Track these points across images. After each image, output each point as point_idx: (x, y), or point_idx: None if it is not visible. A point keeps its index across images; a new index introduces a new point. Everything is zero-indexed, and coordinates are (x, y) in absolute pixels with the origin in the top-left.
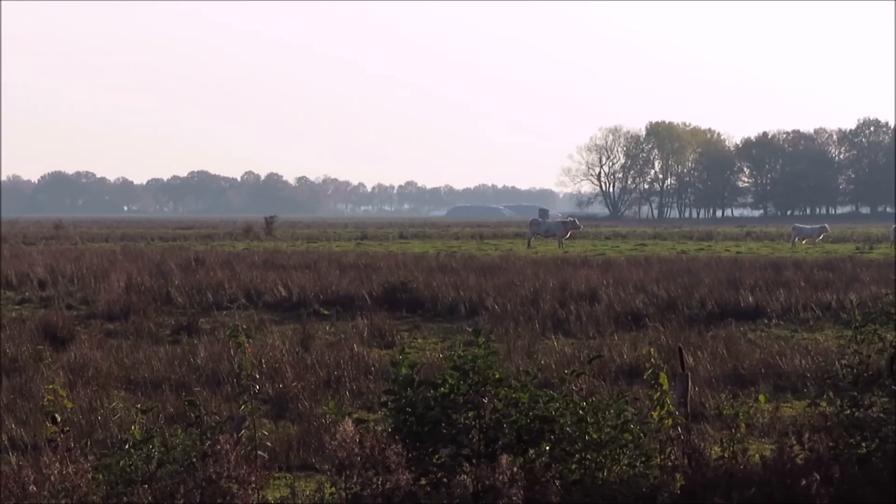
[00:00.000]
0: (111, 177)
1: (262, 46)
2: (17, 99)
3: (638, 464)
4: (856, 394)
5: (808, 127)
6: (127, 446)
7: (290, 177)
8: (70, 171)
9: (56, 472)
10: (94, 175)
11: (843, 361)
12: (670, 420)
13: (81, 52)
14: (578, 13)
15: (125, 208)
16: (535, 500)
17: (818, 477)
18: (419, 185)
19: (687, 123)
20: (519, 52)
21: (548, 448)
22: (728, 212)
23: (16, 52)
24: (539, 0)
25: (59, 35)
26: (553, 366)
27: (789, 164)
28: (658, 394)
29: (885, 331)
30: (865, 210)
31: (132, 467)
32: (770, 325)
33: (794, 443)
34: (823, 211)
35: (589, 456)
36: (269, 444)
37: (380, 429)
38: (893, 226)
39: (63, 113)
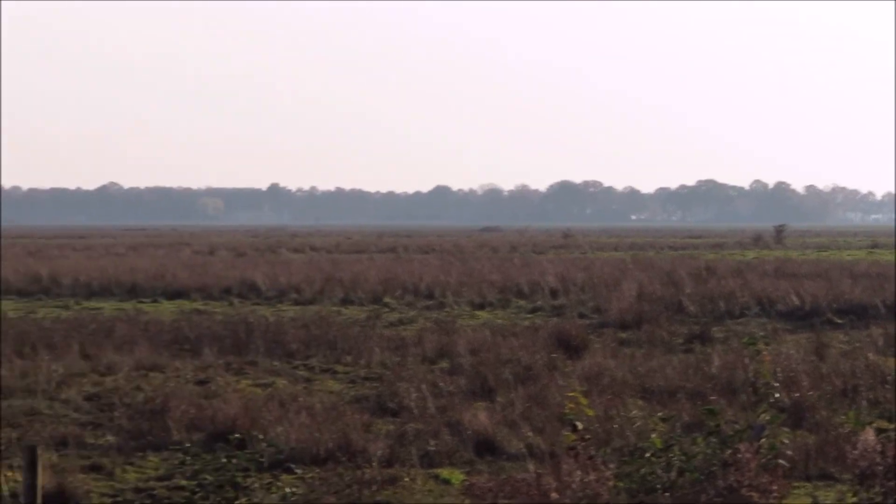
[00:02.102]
0: (619, 186)
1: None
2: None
3: None
4: None
5: None
6: (647, 454)
7: (798, 185)
8: (577, 180)
9: (577, 479)
10: (601, 184)
11: None
12: None
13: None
14: None
15: (632, 217)
16: None
17: None
18: None
19: None
20: None
21: None
22: None
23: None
24: None
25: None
26: None
27: None
28: None
29: None
30: None
31: (653, 475)
32: None
33: None
34: None
35: None
36: (788, 452)
37: None
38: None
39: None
